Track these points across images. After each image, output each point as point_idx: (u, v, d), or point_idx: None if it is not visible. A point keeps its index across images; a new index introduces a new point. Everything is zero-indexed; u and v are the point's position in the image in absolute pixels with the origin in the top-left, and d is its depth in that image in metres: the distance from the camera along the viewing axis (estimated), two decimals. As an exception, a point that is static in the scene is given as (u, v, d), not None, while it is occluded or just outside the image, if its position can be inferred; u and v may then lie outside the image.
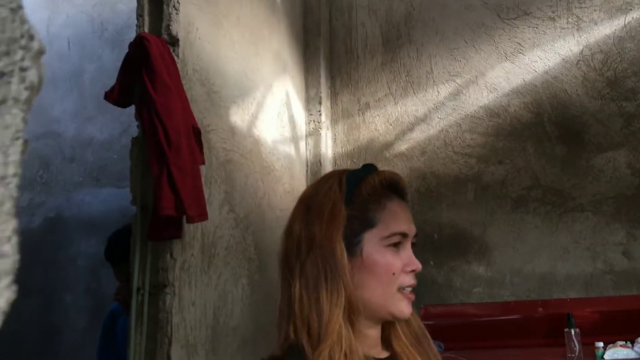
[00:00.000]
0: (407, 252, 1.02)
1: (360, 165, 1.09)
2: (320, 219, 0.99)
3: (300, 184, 3.51)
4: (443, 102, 3.66)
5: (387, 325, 1.06)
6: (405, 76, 3.76)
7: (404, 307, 1.00)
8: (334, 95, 3.88)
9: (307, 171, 3.64)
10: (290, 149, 3.44)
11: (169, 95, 2.12)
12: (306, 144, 3.67)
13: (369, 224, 1.00)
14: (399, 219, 1.01)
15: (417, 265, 1.01)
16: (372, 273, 0.99)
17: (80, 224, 4.10)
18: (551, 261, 3.32)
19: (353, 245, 0.99)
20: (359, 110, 3.82)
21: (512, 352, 2.68)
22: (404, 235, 1.01)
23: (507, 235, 3.42)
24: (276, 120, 3.27)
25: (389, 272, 0.99)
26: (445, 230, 3.53)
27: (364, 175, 1.03)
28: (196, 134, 2.23)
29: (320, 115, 3.73)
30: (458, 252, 3.48)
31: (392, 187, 1.05)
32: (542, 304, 2.93)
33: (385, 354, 1.04)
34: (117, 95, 2.17)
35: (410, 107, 3.72)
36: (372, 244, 1.00)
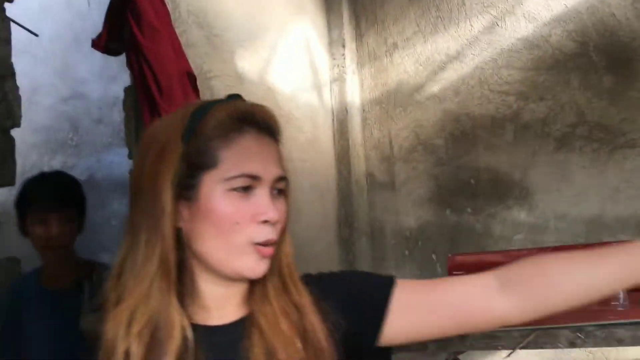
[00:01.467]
0: (259, 198, 0.83)
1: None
2: (151, 156, 0.83)
3: (324, 134, 3.34)
4: (477, 37, 3.37)
5: (254, 282, 0.87)
6: (435, 11, 3.48)
7: (252, 263, 0.82)
8: (359, 36, 3.64)
9: (333, 120, 3.45)
10: (312, 97, 3.25)
11: (158, 39, 1.99)
12: (331, 90, 3.47)
13: (209, 163, 0.82)
14: (249, 158, 0.83)
15: (270, 214, 0.82)
16: (211, 222, 0.81)
17: (111, 184, 4.08)
18: (600, 203, 3.06)
19: (188, 188, 0.82)
20: (386, 51, 3.58)
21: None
22: (255, 177, 0.83)
23: (551, 177, 3.16)
24: (294, 65, 3.08)
25: (231, 221, 0.81)
26: (483, 175, 3.31)
27: (212, 107, 0.84)
28: (191, 79, 2.09)
29: (344, 59, 3.51)
30: (497, 197, 3.26)
31: (249, 120, 0.84)
32: (583, 249, 2.68)
33: (237, 316, 0.87)
34: (105, 43, 2.05)
35: (442, 44, 3.45)
36: (211, 186, 0.82)
